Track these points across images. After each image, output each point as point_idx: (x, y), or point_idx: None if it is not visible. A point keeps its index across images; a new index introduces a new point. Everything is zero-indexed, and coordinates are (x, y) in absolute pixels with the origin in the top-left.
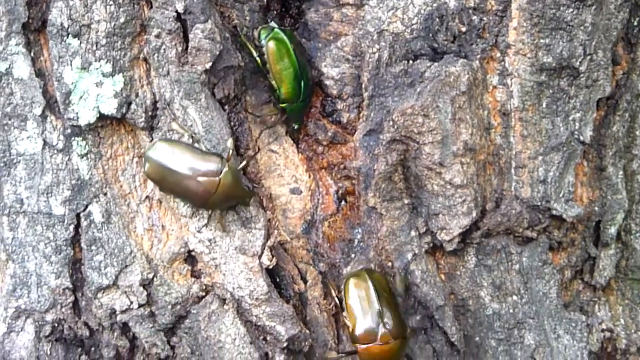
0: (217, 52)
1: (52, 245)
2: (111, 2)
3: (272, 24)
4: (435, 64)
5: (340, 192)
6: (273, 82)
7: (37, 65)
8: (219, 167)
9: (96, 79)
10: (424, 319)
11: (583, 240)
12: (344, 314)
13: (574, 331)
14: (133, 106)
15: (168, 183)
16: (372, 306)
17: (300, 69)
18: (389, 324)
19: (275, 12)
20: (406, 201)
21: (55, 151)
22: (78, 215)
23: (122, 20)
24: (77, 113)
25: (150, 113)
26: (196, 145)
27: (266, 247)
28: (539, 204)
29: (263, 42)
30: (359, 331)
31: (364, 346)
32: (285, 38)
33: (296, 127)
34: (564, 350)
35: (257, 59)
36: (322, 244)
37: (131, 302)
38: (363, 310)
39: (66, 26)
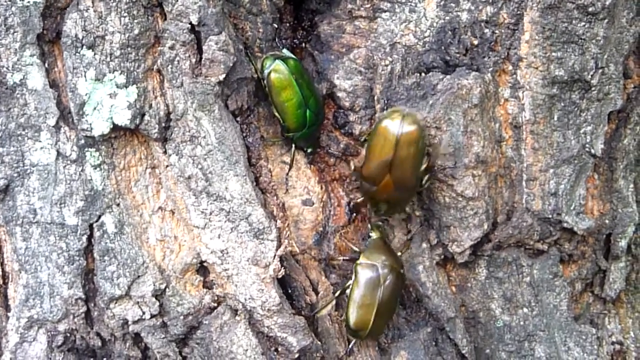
0: (231, 64)
1: (64, 256)
2: (125, 14)
3: (276, 52)
4: (448, 76)
5: (351, 203)
6: (276, 114)
7: (52, 76)
8: None
9: (110, 90)
10: (435, 331)
11: (593, 253)
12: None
13: (584, 344)
14: (146, 117)
15: None
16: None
17: (305, 98)
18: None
19: (288, 24)
20: (418, 213)
21: (69, 162)
22: (91, 226)
23: (136, 31)
24: (90, 124)
25: (163, 124)
26: None
27: (276, 256)
28: (550, 216)
29: (264, 73)
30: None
31: None
32: (286, 70)
33: (309, 150)
34: None
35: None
36: (334, 255)
37: (143, 313)
38: None
39: (80, 37)
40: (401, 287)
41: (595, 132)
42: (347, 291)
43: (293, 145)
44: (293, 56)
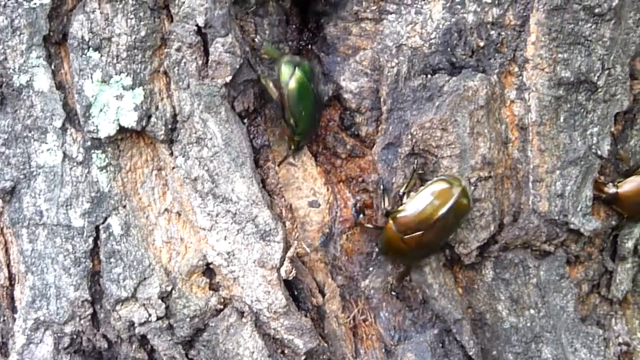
0: (237, 66)
1: (71, 258)
2: (132, 16)
3: (291, 57)
4: (454, 78)
5: (358, 205)
6: (291, 120)
7: (58, 78)
8: None
9: (116, 92)
10: (442, 333)
11: (600, 254)
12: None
13: (591, 345)
14: (153, 119)
15: None
16: None
17: (317, 102)
18: None
19: (294, 25)
20: None
21: (75, 163)
22: (97, 228)
23: (142, 33)
24: (97, 126)
25: (170, 126)
26: None
27: (286, 258)
28: (557, 217)
29: (284, 80)
30: None
31: None
32: (306, 79)
33: (300, 146)
34: None
35: (274, 91)
36: (340, 257)
37: (149, 315)
38: None
39: (87, 39)
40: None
41: (601, 133)
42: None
43: (292, 146)
44: (304, 60)
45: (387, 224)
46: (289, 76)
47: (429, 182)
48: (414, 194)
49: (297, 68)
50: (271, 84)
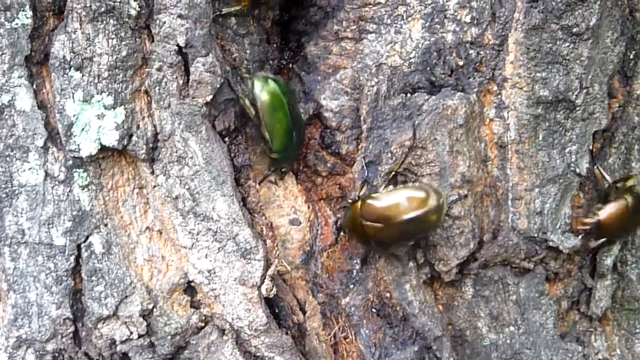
0: (218, 85)
1: (53, 276)
2: (113, 36)
3: (266, 73)
4: (433, 97)
5: (339, 222)
6: (266, 134)
7: (40, 97)
8: None
9: (98, 111)
10: (422, 350)
11: (579, 271)
12: None
13: None
14: (134, 138)
15: None
16: None
17: (293, 119)
18: None
19: (275, 45)
20: None
21: (57, 182)
22: (79, 246)
23: (123, 53)
24: (78, 145)
25: (151, 145)
26: None
27: (267, 276)
28: (536, 235)
29: (257, 93)
30: None
31: None
32: (279, 90)
33: (283, 170)
34: None
35: (251, 109)
36: (321, 274)
37: (131, 333)
38: None
39: (68, 59)
40: None
41: (580, 151)
42: None
43: (271, 166)
44: (280, 78)
45: (355, 204)
46: (261, 88)
47: (411, 185)
48: (392, 188)
49: (269, 80)
50: (247, 102)
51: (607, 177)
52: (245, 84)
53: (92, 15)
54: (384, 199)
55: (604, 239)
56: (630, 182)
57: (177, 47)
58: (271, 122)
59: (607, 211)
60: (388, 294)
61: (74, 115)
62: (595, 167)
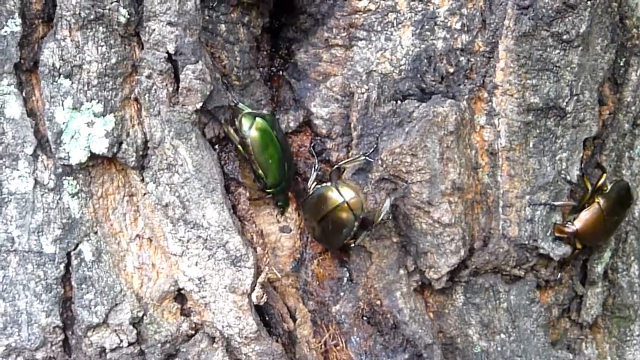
0: (208, 93)
1: (42, 284)
2: (102, 43)
3: (251, 109)
4: (424, 104)
5: None
6: (259, 172)
7: (29, 105)
8: None
9: (87, 119)
10: (413, 358)
11: (570, 278)
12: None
13: None
14: (124, 146)
15: None
16: None
17: (284, 152)
18: None
19: (265, 52)
20: (395, 240)
21: (46, 190)
22: (69, 254)
23: (113, 60)
24: (68, 152)
25: (141, 152)
26: None
27: (257, 284)
28: (527, 242)
29: (246, 131)
30: None
31: None
32: (268, 127)
33: (280, 204)
34: None
35: (240, 147)
36: (312, 282)
37: (121, 341)
38: None
39: (58, 67)
40: None
41: (570, 158)
42: None
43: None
44: (265, 112)
45: (306, 199)
46: (249, 126)
47: (324, 185)
48: (318, 186)
49: (257, 117)
50: (232, 130)
51: (589, 185)
52: (235, 91)
53: (82, 22)
54: (308, 200)
55: (584, 246)
56: (599, 183)
57: (166, 55)
58: (263, 159)
59: (582, 219)
60: (378, 302)
61: (63, 123)
62: (582, 174)
